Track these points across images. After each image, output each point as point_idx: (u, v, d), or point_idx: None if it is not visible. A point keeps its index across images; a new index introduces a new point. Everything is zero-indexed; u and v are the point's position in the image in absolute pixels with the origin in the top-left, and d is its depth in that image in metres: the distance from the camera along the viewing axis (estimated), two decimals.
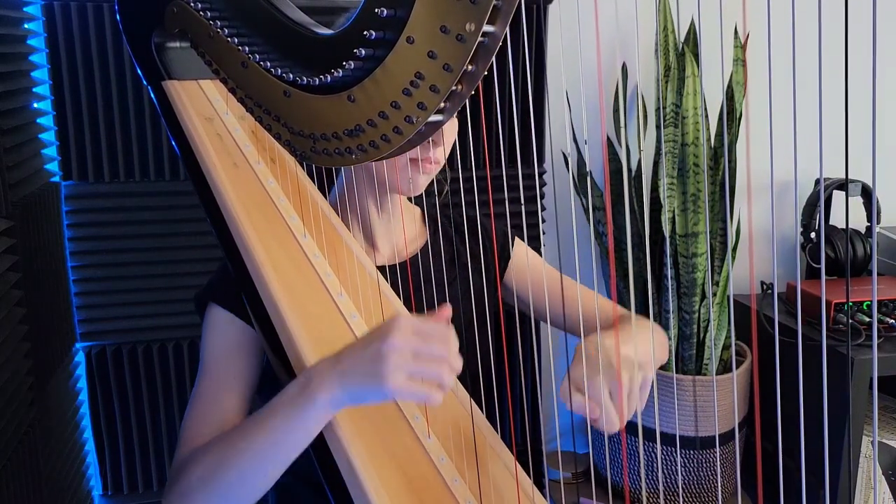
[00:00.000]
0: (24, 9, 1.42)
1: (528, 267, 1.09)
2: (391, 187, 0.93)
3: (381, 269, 0.95)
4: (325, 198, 0.98)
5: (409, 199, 1.04)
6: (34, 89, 1.46)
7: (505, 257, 1.08)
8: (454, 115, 0.90)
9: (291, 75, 0.75)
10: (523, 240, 1.12)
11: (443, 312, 0.69)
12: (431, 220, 1.06)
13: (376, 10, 0.65)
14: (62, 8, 1.47)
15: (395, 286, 0.92)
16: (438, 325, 0.66)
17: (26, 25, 1.44)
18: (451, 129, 0.91)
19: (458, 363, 0.66)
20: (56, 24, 1.48)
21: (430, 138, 0.85)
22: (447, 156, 0.94)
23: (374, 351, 0.64)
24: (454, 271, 1.02)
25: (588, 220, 1.85)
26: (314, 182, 0.97)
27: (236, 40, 0.80)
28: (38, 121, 1.48)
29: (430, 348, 0.64)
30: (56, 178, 1.54)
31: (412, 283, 0.94)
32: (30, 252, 1.32)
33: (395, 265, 0.98)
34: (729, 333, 1.85)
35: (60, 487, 1.42)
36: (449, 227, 1.07)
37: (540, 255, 1.12)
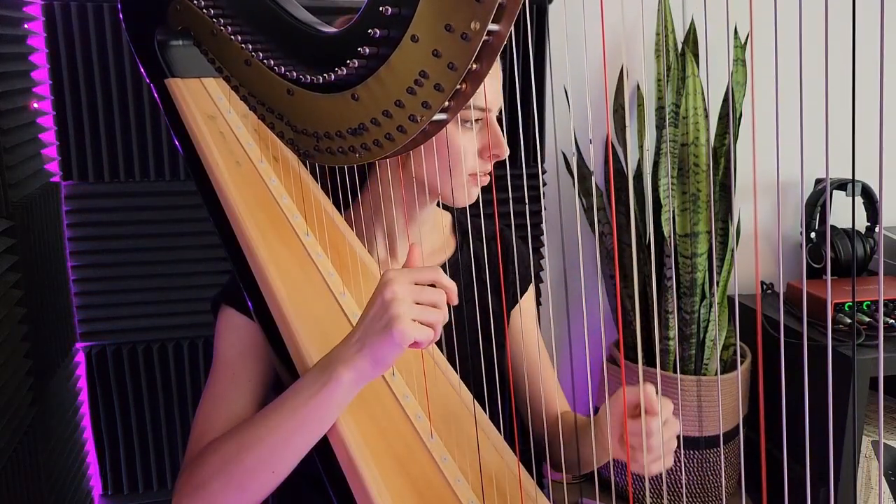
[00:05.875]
0: (24, 9, 1.42)
1: (522, 331, 1.08)
2: (447, 198, 0.91)
3: None
4: (351, 200, 0.97)
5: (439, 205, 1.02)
6: (34, 89, 1.45)
7: (515, 295, 1.07)
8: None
9: (295, 73, 0.75)
10: (525, 241, 1.11)
11: (413, 254, 0.72)
12: (462, 233, 1.04)
13: (381, 9, 0.65)
14: (62, 8, 1.47)
15: None
16: (429, 270, 0.68)
17: (26, 25, 1.44)
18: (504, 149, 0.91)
19: (446, 310, 0.68)
20: (56, 24, 1.47)
21: (493, 152, 0.87)
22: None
23: (378, 306, 0.66)
24: (472, 290, 1.00)
25: (588, 220, 1.85)
26: (339, 184, 0.95)
27: (239, 38, 0.80)
28: (38, 121, 1.48)
29: (426, 295, 0.66)
30: (56, 178, 1.54)
31: None
32: (30, 252, 1.32)
33: None
34: (729, 333, 1.85)
35: (60, 487, 1.41)
36: (477, 242, 1.04)
37: (541, 255, 1.11)
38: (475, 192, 0.91)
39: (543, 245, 1.82)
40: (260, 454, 0.71)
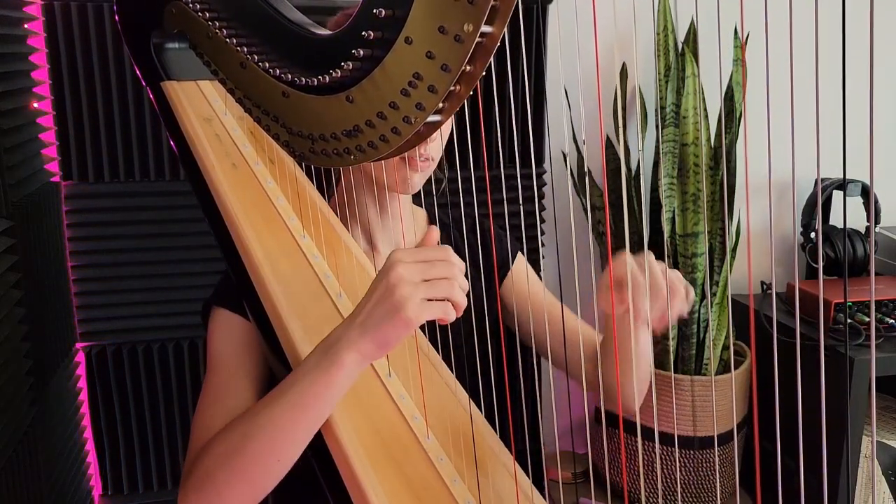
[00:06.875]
0: (24, 9, 1.42)
1: (528, 293, 1.08)
2: (389, 186, 0.93)
3: None
4: (327, 199, 0.99)
5: (413, 200, 1.05)
6: (34, 89, 1.46)
7: (503, 270, 1.08)
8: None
9: (290, 76, 0.75)
10: (522, 241, 1.12)
11: (430, 235, 0.72)
12: (437, 223, 1.07)
13: (374, 11, 0.65)
14: (62, 8, 1.47)
15: None
16: (438, 248, 0.67)
17: (26, 25, 1.44)
18: (444, 126, 0.92)
19: (464, 281, 0.67)
20: (56, 24, 1.47)
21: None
22: (442, 152, 0.95)
23: (383, 288, 0.65)
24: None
25: (587, 220, 1.85)
26: (315, 183, 0.97)
27: (235, 41, 0.80)
28: (38, 121, 1.48)
29: (435, 270, 0.65)
30: (56, 178, 1.54)
31: None
32: (30, 252, 1.32)
33: None
34: (728, 334, 1.85)
35: (60, 487, 1.42)
36: (453, 231, 1.07)
37: (540, 256, 1.12)
38: (417, 179, 0.92)
39: (542, 245, 1.82)
40: (263, 442, 0.70)
